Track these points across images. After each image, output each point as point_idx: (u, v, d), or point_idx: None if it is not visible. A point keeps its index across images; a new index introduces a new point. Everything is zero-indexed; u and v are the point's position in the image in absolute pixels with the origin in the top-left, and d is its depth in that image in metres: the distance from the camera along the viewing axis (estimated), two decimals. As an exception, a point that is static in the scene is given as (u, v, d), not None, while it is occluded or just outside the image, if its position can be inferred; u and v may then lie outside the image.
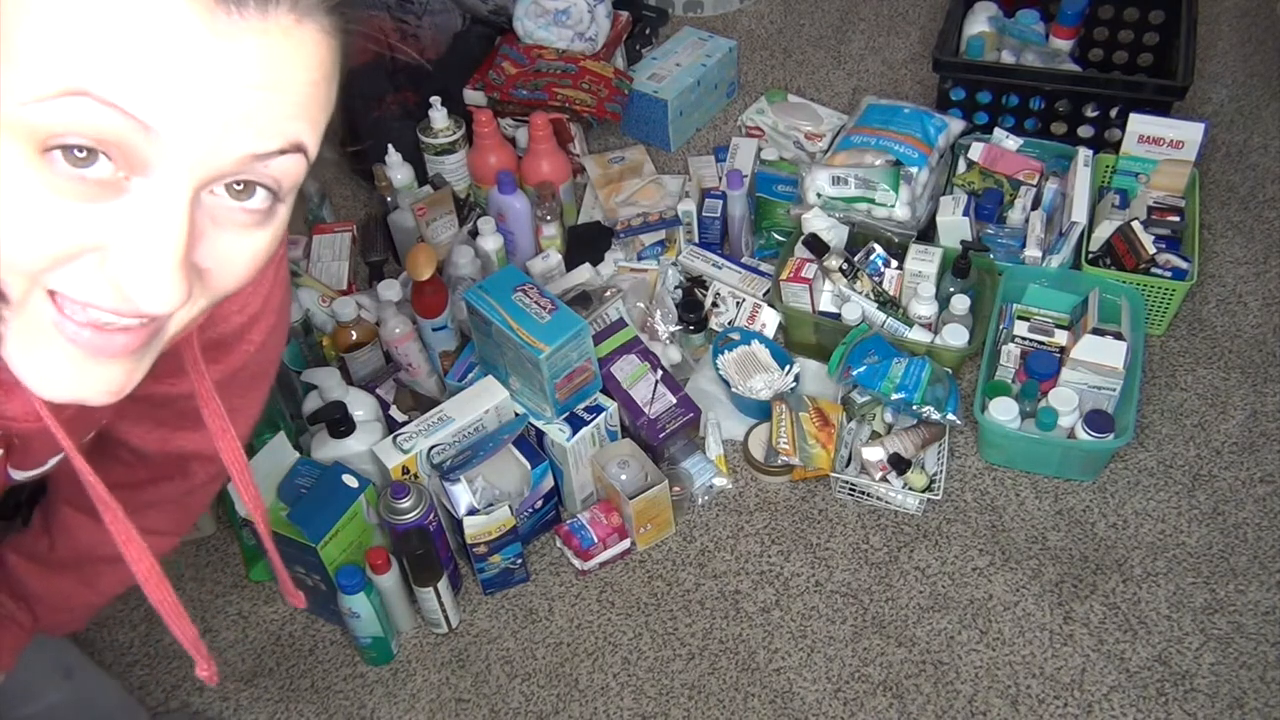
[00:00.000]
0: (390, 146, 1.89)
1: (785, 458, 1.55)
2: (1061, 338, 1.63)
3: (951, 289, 1.67)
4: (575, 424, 1.48)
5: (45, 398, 0.49)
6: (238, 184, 0.46)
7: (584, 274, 1.78)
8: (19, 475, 0.67)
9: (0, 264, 0.44)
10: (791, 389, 1.65)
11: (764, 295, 1.78)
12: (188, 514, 0.96)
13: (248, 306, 0.71)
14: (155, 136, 0.42)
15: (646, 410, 1.56)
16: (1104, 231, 1.73)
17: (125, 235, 0.44)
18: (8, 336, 0.47)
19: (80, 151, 0.42)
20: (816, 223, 1.75)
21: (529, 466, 1.46)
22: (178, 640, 0.69)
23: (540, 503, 1.52)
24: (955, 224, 1.77)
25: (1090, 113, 1.92)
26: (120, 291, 0.45)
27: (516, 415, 1.50)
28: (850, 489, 1.57)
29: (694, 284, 1.83)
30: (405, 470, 1.41)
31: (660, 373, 1.59)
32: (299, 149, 0.47)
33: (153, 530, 0.87)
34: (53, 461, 0.68)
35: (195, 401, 0.65)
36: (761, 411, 1.64)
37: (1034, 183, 1.82)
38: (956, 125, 1.90)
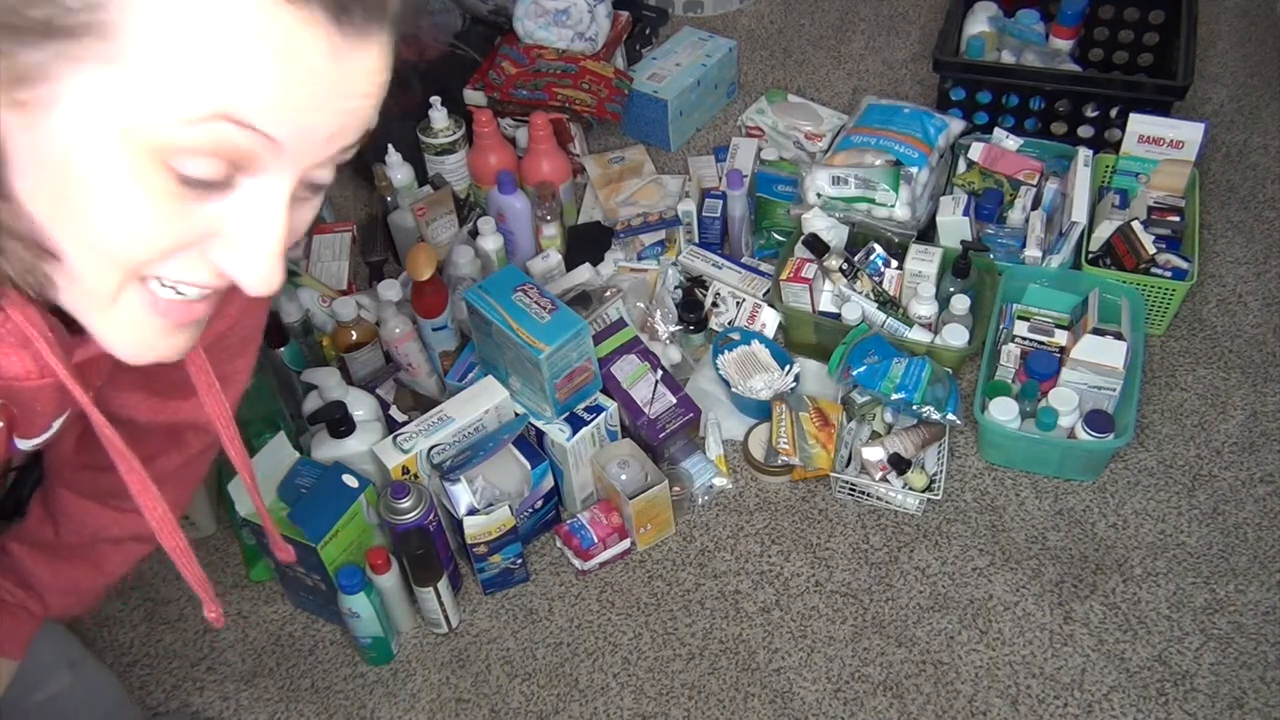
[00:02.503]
0: (390, 146, 1.89)
1: (785, 458, 1.55)
2: (1061, 338, 1.63)
3: (951, 289, 1.67)
4: (575, 424, 1.48)
5: (131, 361, 0.53)
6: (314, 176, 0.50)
7: (584, 274, 1.78)
8: (24, 444, 0.68)
9: (105, 258, 0.46)
10: (791, 389, 1.65)
11: (764, 295, 1.78)
12: (186, 487, 0.98)
13: None
14: (278, 148, 0.45)
15: (646, 410, 1.56)
16: (1104, 231, 1.73)
17: (232, 228, 0.47)
18: (97, 314, 0.50)
19: (206, 170, 0.44)
20: (816, 223, 1.75)
21: (529, 466, 1.46)
22: (188, 582, 0.72)
23: (540, 503, 1.52)
24: (955, 224, 1.77)
25: (1090, 113, 1.92)
26: (218, 273, 0.49)
27: (516, 415, 1.50)
28: (850, 489, 1.57)
29: (694, 284, 1.83)
30: (405, 470, 1.41)
31: (660, 373, 1.59)
32: (369, 130, 0.50)
33: None
34: (56, 425, 0.69)
35: (185, 369, 0.68)
36: (761, 411, 1.64)
37: (1034, 183, 1.82)
38: (956, 125, 1.90)
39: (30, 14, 0.40)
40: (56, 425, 0.69)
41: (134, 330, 0.51)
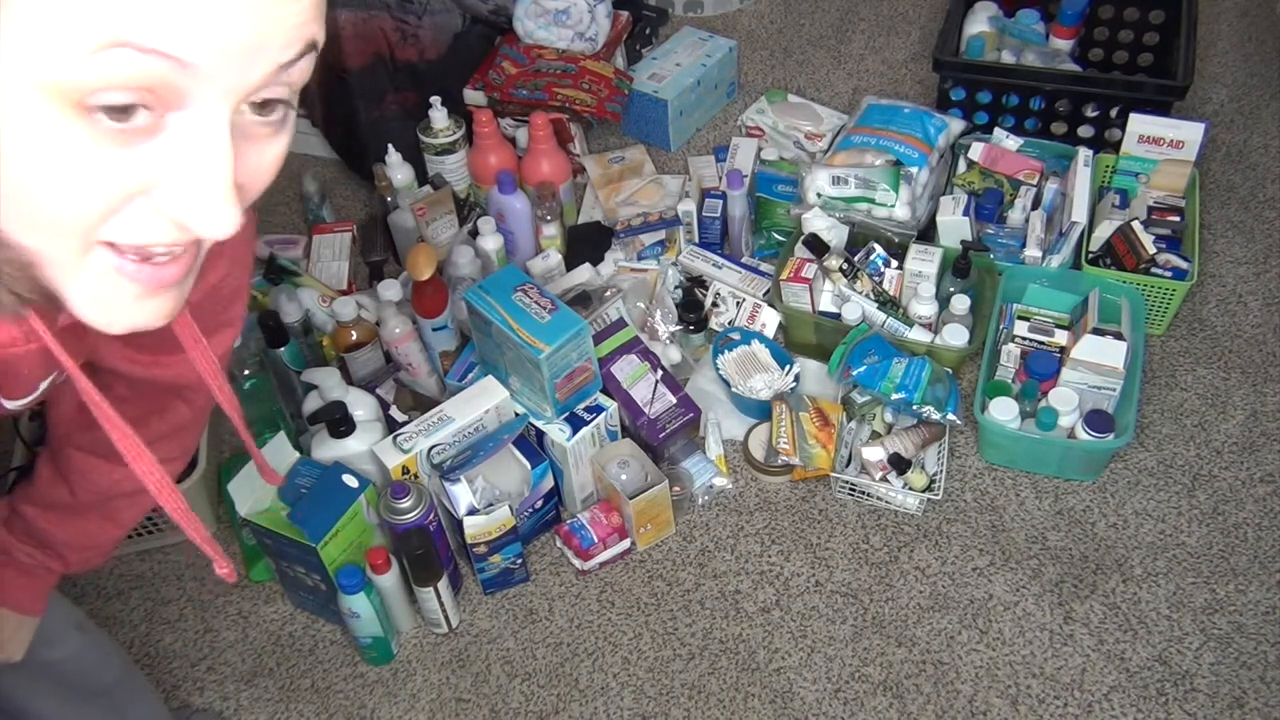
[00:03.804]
0: (390, 146, 1.89)
1: (785, 458, 1.55)
2: (1061, 338, 1.63)
3: (951, 289, 1.67)
4: (575, 424, 1.48)
5: (108, 330, 0.51)
6: (259, 100, 0.47)
7: (584, 274, 1.78)
8: (11, 404, 0.68)
9: (53, 229, 0.44)
10: (791, 389, 1.65)
11: (764, 295, 1.78)
12: (191, 439, 0.98)
13: None
14: (193, 71, 0.42)
15: (646, 410, 1.56)
16: (1104, 231, 1.73)
17: (174, 170, 0.44)
18: (68, 287, 0.48)
19: (122, 108, 0.41)
20: (816, 223, 1.75)
21: (529, 466, 1.46)
22: (194, 542, 0.71)
23: (540, 503, 1.52)
24: (955, 224, 1.77)
25: (1090, 113, 1.92)
26: (177, 225, 0.46)
27: (516, 415, 1.50)
28: (850, 489, 1.57)
29: (694, 284, 1.83)
30: (405, 470, 1.41)
31: (660, 373, 1.59)
32: (313, 47, 0.47)
33: (164, 459, 0.90)
34: (44, 386, 0.69)
35: (170, 327, 0.66)
36: (761, 411, 1.64)
37: (1034, 183, 1.82)
38: (956, 125, 1.90)
39: None
40: (43, 386, 0.69)
41: (106, 299, 0.49)
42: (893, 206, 1.76)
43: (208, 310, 0.78)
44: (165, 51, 0.41)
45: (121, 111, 0.42)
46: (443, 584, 1.41)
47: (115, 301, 0.49)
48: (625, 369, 1.57)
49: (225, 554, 0.74)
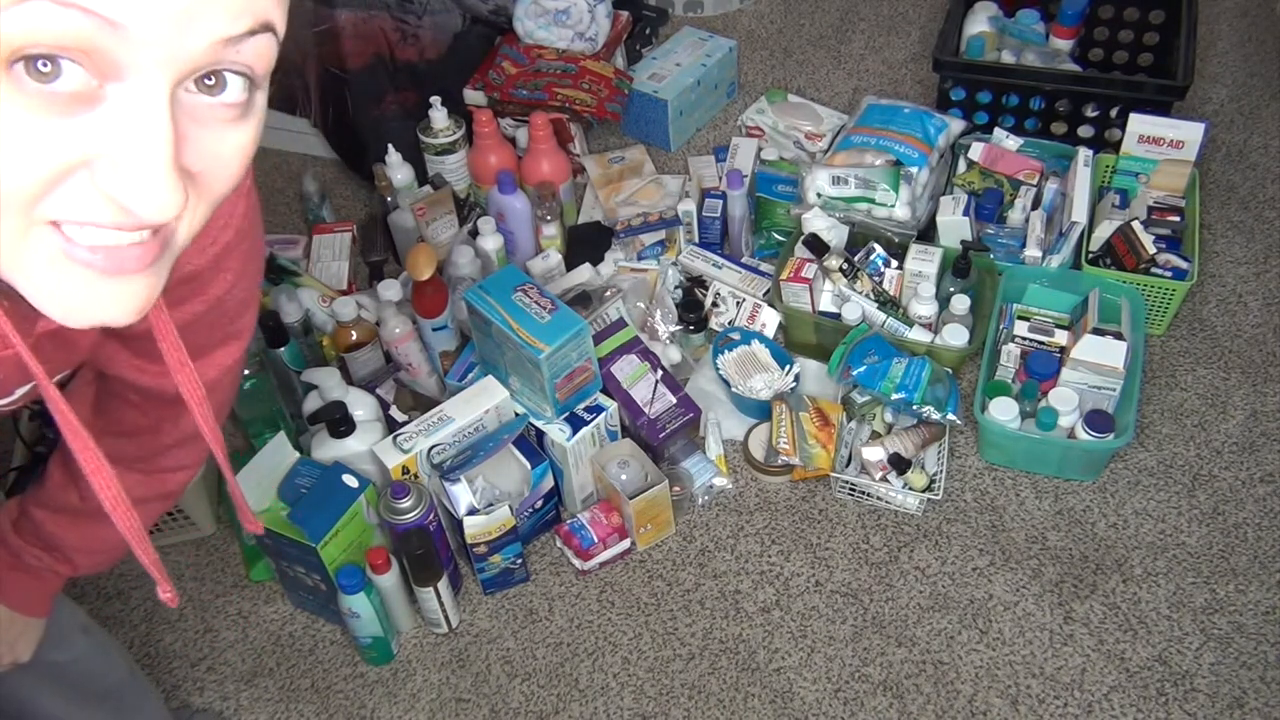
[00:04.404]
0: (390, 146, 1.89)
1: (785, 458, 1.55)
2: (1061, 338, 1.63)
3: (951, 289, 1.67)
4: (575, 424, 1.48)
5: (70, 324, 0.48)
6: (209, 77, 0.45)
7: (584, 274, 1.78)
8: None
9: None
10: (791, 389, 1.65)
11: (764, 295, 1.78)
12: (204, 446, 0.96)
13: (220, 238, 0.70)
14: (124, 34, 0.40)
15: (646, 410, 1.56)
16: (1104, 231, 1.73)
17: (111, 145, 0.42)
18: (15, 274, 0.46)
19: (44, 64, 0.40)
20: (816, 223, 1.75)
21: (529, 466, 1.46)
22: (141, 563, 0.69)
23: (540, 503, 1.52)
24: (955, 224, 1.77)
25: (1090, 113, 1.92)
26: (117, 204, 0.44)
27: (516, 415, 1.50)
28: (850, 489, 1.57)
29: (694, 284, 1.83)
30: (405, 470, 1.41)
31: (660, 373, 1.59)
32: (268, 28, 0.45)
33: (179, 467, 0.91)
34: (21, 392, 0.68)
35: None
36: (761, 411, 1.64)
37: (1034, 183, 1.82)
38: (956, 125, 1.90)
39: None
40: (20, 392, 0.68)
41: (57, 287, 0.46)
42: (893, 206, 1.76)
43: (213, 323, 0.76)
44: (86, 6, 0.39)
45: (44, 71, 0.40)
46: (443, 584, 1.41)
47: (69, 290, 0.47)
48: (625, 369, 1.57)
49: (169, 579, 0.73)
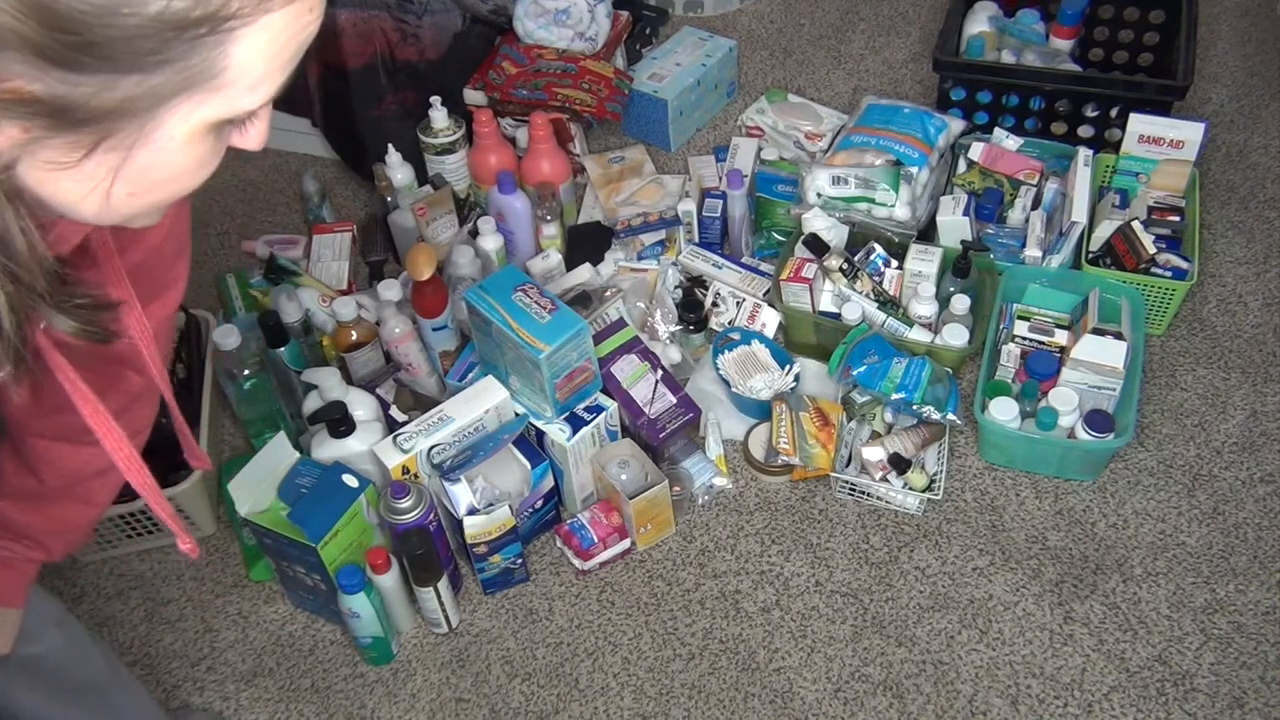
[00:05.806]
0: (390, 146, 1.89)
1: (785, 458, 1.55)
2: (1061, 338, 1.63)
3: (951, 289, 1.67)
4: (575, 424, 1.48)
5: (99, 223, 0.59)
6: None
7: (584, 274, 1.78)
8: None
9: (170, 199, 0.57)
10: (791, 389, 1.65)
11: (764, 295, 1.78)
12: (149, 409, 0.99)
13: None
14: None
15: (646, 410, 1.56)
16: (1104, 231, 1.73)
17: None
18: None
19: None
20: (816, 223, 1.75)
21: (529, 466, 1.46)
22: (158, 516, 0.75)
23: (540, 503, 1.52)
24: (955, 224, 1.77)
25: (1090, 113, 1.92)
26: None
27: (516, 415, 1.50)
28: (850, 489, 1.57)
29: (694, 284, 1.83)
30: (405, 470, 1.41)
31: (660, 373, 1.59)
32: None
33: (133, 432, 0.94)
34: None
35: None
36: (761, 411, 1.64)
37: (1034, 183, 1.82)
38: (956, 125, 1.90)
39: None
40: None
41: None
42: (893, 206, 1.76)
43: (152, 270, 0.81)
44: (260, 105, 0.55)
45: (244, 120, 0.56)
46: (443, 584, 1.41)
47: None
48: (625, 369, 1.57)
49: (188, 530, 0.76)
